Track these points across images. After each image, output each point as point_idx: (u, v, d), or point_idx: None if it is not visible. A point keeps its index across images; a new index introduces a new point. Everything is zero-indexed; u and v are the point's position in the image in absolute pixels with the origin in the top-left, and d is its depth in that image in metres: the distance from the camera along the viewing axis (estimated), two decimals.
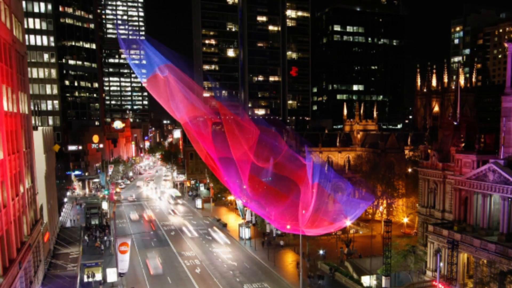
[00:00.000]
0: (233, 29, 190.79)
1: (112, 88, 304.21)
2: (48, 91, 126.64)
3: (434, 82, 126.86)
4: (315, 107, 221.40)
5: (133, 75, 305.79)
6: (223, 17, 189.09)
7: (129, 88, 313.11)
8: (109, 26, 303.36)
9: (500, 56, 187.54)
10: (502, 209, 50.10)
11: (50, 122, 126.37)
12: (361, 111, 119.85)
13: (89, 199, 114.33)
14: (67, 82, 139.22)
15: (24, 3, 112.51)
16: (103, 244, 76.29)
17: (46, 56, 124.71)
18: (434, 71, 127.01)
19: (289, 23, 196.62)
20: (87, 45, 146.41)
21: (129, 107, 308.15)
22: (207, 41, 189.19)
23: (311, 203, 56.86)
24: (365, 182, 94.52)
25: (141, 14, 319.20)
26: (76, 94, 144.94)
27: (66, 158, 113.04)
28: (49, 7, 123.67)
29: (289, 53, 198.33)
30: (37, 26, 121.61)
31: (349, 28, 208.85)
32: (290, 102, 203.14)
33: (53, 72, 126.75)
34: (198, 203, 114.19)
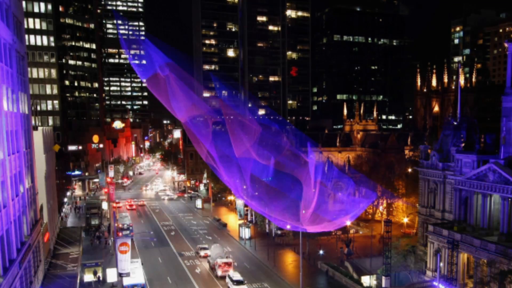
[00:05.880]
0: (233, 29, 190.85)
1: (112, 88, 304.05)
2: (48, 91, 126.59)
3: (434, 82, 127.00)
4: (315, 107, 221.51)
5: (133, 75, 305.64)
6: (223, 17, 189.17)
7: (129, 88, 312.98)
8: (109, 26, 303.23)
9: (500, 56, 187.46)
10: (502, 209, 50.10)
11: (50, 122, 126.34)
12: (361, 111, 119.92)
13: (89, 199, 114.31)
14: (67, 82, 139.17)
15: (24, 3, 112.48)
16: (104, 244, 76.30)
17: (46, 56, 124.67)
18: (434, 71, 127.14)
19: (289, 23, 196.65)
20: (87, 45, 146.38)
21: (129, 107, 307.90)
22: (207, 41, 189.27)
23: (313, 200, 56.94)
24: (366, 182, 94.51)
25: (141, 14, 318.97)
26: (76, 94, 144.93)
27: (66, 158, 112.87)
28: (49, 7, 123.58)
29: (289, 53, 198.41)
30: (37, 26, 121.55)
31: (349, 28, 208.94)
32: (290, 102, 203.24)
33: (53, 72, 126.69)
34: (198, 203, 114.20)
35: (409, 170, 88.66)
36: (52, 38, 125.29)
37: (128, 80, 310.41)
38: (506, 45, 53.33)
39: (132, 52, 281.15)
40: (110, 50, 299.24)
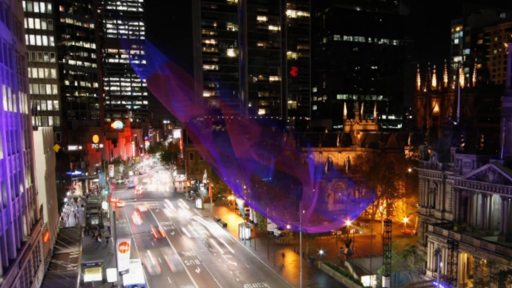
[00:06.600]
0: (233, 29, 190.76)
1: (112, 88, 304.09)
2: (48, 91, 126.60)
3: (434, 82, 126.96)
4: (315, 107, 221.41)
5: (133, 75, 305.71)
6: (223, 17, 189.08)
7: (129, 88, 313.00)
8: (109, 26, 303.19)
9: (500, 56, 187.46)
10: (502, 209, 50.08)
11: (50, 122, 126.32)
12: (361, 111, 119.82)
13: (89, 199, 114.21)
14: (67, 82, 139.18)
15: (24, 3, 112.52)
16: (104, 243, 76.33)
17: (46, 56, 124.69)
18: (434, 71, 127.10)
19: (289, 23, 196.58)
20: (87, 45, 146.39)
21: (129, 107, 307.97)
22: (207, 41, 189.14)
23: (313, 201, 57.00)
24: (366, 182, 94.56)
25: (141, 14, 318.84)
26: (76, 94, 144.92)
27: (66, 158, 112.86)
28: (49, 7, 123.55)
29: (289, 53, 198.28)
30: (37, 26, 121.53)
31: (349, 28, 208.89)
32: (290, 102, 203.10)
33: (53, 72, 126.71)
34: (198, 203, 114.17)
35: (409, 170, 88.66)
36: (52, 38, 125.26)
37: (128, 80, 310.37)
38: (506, 45, 53.35)
39: (132, 52, 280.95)
40: (110, 50, 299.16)
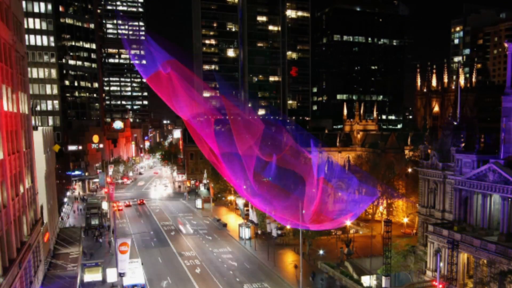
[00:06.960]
0: (233, 29, 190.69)
1: (112, 88, 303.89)
2: (48, 91, 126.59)
3: (434, 82, 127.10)
4: (315, 107, 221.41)
5: (133, 75, 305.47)
6: (223, 17, 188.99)
7: (129, 88, 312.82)
8: (109, 26, 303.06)
9: (500, 56, 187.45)
10: (502, 209, 50.08)
11: (50, 122, 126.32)
12: (361, 111, 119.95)
13: (89, 199, 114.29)
14: (67, 82, 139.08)
15: (24, 3, 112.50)
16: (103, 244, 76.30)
17: (46, 56, 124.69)
18: (434, 71, 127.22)
19: (289, 23, 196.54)
20: (87, 45, 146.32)
21: (129, 107, 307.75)
22: (207, 41, 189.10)
23: (316, 197, 56.90)
24: (367, 180, 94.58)
25: (141, 14, 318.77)
26: (76, 94, 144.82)
27: (66, 158, 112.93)
28: (49, 7, 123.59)
29: (289, 53, 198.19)
30: (37, 26, 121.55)
31: (349, 28, 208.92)
32: (290, 102, 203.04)
33: (53, 72, 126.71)
34: (198, 203, 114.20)
35: (409, 170, 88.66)
36: (52, 38, 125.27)
37: (128, 80, 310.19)
38: (506, 45, 53.31)
39: (133, 52, 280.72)
40: (110, 50, 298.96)
